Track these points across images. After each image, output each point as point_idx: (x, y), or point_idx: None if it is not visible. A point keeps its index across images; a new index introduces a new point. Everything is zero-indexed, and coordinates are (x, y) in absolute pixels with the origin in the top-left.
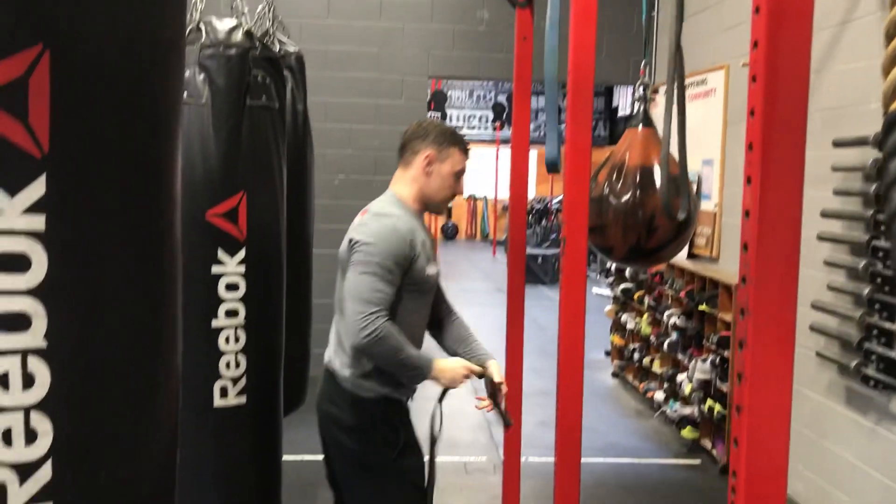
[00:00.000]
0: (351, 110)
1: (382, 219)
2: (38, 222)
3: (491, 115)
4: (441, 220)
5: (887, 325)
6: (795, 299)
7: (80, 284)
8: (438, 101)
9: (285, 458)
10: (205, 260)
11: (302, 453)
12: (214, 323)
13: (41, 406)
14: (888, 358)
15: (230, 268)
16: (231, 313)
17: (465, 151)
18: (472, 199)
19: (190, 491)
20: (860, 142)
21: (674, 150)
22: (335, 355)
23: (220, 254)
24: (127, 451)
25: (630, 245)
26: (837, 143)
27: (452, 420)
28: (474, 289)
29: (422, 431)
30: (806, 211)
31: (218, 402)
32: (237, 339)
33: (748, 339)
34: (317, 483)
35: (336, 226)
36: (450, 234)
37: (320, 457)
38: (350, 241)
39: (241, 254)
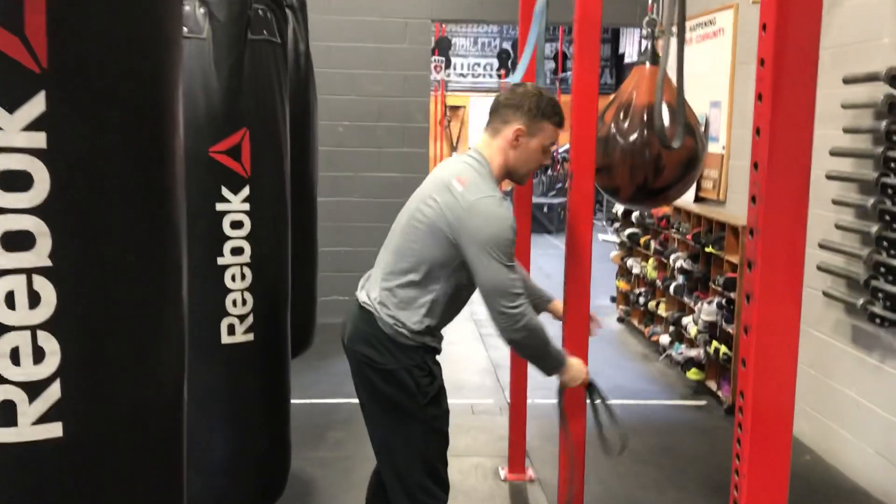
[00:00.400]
0: (353, 55)
1: (491, 202)
2: (39, 139)
3: (496, 63)
4: None
5: (895, 262)
6: (803, 252)
7: (84, 203)
8: (443, 47)
9: (295, 401)
10: (209, 197)
11: (311, 398)
12: (220, 260)
13: (48, 325)
14: (895, 295)
15: (235, 205)
16: (236, 251)
17: (559, 124)
18: None
19: (200, 425)
20: (871, 78)
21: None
22: (379, 299)
23: (224, 191)
24: (135, 373)
25: (637, 185)
26: (847, 80)
27: (459, 364)
28: None
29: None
30: (815, 149)
31: (226, 339)
32: (243, 277)
33: (755, 292)
34: (326, 425)
35: (340, 173)
36: None
37: (330, 400)
38: (454, 216)
39: (245, 191)
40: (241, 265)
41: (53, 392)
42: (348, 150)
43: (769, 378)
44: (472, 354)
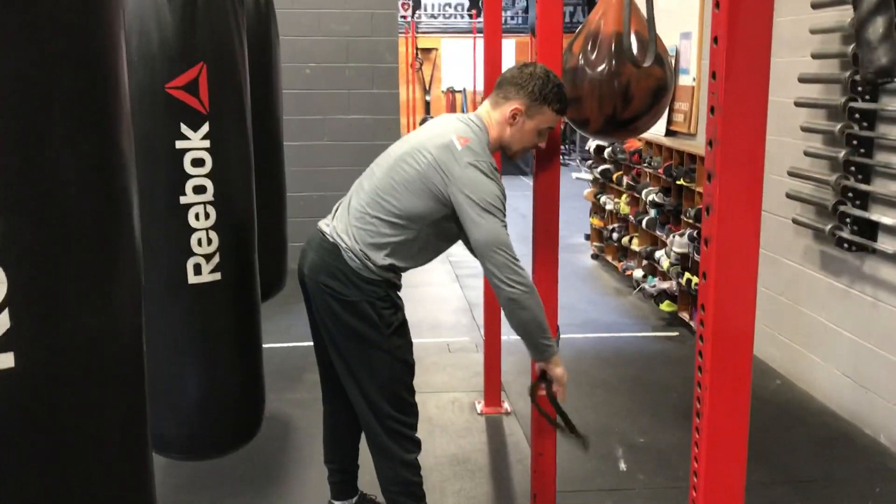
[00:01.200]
0: None
1: (488, 167)
2: None
3: (467, 3)
4: (419, 114)
5: (862, 186)
6: (762, 163)
7: (20, 126)
8: None
9: (272, 345)
10: (168, 135)
11: (288, 341)
12: (182, 199)
13: None
14: (862, 219)
15: (195, 143)
16: (199, 189)
17: (561, 111)
18: (451, 91)
19: (172, 365)
20: (839, 2)
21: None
22: (349, 233)
23: (184, 128)
24: (86, 304)
25: (606, 116)
26: (815, 5)
27: (436, 304)
28: None
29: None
30: (784, 77)
31: (192, 278)
32: (207, 216)
33: (714, 203)
34: (302, 367)
35: (309, 116)
36: None
37: (306, 343)
38: (450, 173)
39: (205, 128)
40: (205, 203)
41: (3, 321)
42: (316, 92)
43: (730, 292)
44: (448, 294)
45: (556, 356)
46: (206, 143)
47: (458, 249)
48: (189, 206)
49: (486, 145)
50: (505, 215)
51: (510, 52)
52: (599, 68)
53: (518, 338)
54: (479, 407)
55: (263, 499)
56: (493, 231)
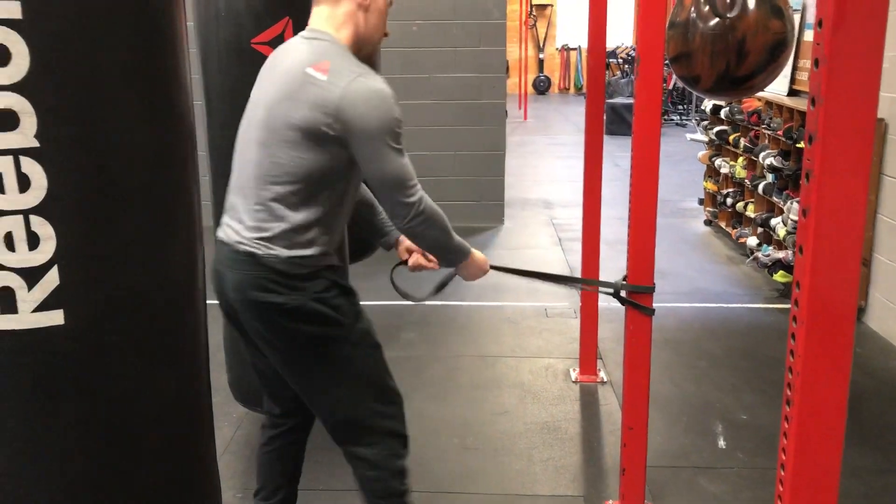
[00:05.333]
0: None
1: (365, 81)
2: (13, 9)
3: None
4: (531, 74)
5: None
6: (873, 122)
7: (69, 80)
8: None
9: (369, 303)
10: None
11: (384, 300)
12: None
13: (40, 210)
14: None
15: None
16: None
17: None
18: (566, 49)
19: None
20: None
21: None
22: (259, 233)
23: None
24: (138, 261)
25: (718, 73)
26: None
27: (534, 267)
28: (564, 142)
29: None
30: None
31: None
32: None
33: (815, 169)
34: (399, 326)
35: (416, 75)
36: (542, 87)
37: (402, 302)
38: (330, 110)
39: None
40: None
41: (52, 278)
42: (422, 50)
43: (829, 269)
44: (549, 258)
45: (469, 259)
46: None
47: (562, 212)
48: None
49: (347, 52)
50: (402, 136)
51: (630, 6)
52: (712, 21)
53: (618, 304)
54: (574, 374)
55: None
56: (390, 170)
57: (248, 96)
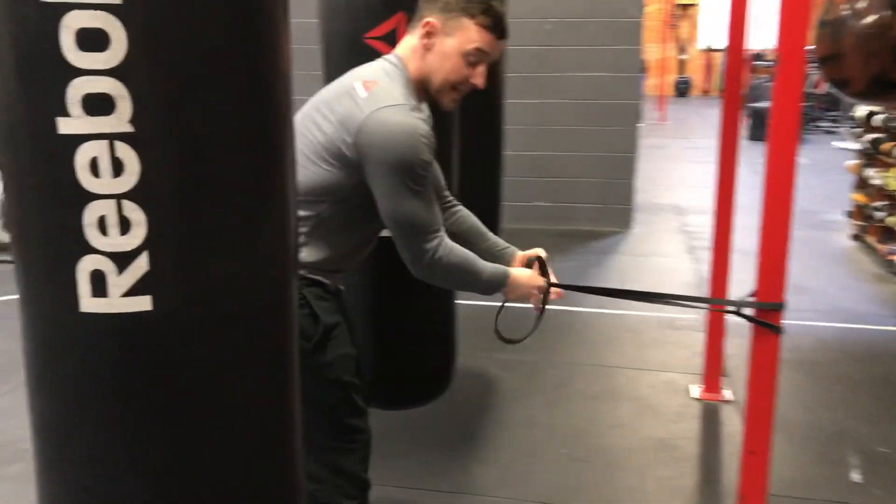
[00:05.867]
0: None
1: (397, 111)
2: None
3: None
4: (671, 75)
5: None
6: None
7: (165, 67)
8: None
9: (485, 303)
10: None
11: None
12: None
13: (133, 195)
14: None
15: None
16: None
17: (489, 27)
18: (708, 50)
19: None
20: None
21: None
22: None
23: None
24: (232, 249)
25: (872, 75)
26: None
27: (663, 276)
28: (703, 146)
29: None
30: None
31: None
32: None
33: None
34: (515, 327)
35: (549, 74)
36: (682, 89)
37: (491, 303)
38: (354, 129)
39: None
40: None
41: (141, 264)
42: (555, 48)
43: None
44: (678, 266)
45: (508, 277)
46: None
47: (695, 219)
48: None
49: (403, 82)
50: (424, 180)
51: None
52: (868, 19)
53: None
54: (696, 391)
55: (452, 453)
56: (401, 209)
57: None
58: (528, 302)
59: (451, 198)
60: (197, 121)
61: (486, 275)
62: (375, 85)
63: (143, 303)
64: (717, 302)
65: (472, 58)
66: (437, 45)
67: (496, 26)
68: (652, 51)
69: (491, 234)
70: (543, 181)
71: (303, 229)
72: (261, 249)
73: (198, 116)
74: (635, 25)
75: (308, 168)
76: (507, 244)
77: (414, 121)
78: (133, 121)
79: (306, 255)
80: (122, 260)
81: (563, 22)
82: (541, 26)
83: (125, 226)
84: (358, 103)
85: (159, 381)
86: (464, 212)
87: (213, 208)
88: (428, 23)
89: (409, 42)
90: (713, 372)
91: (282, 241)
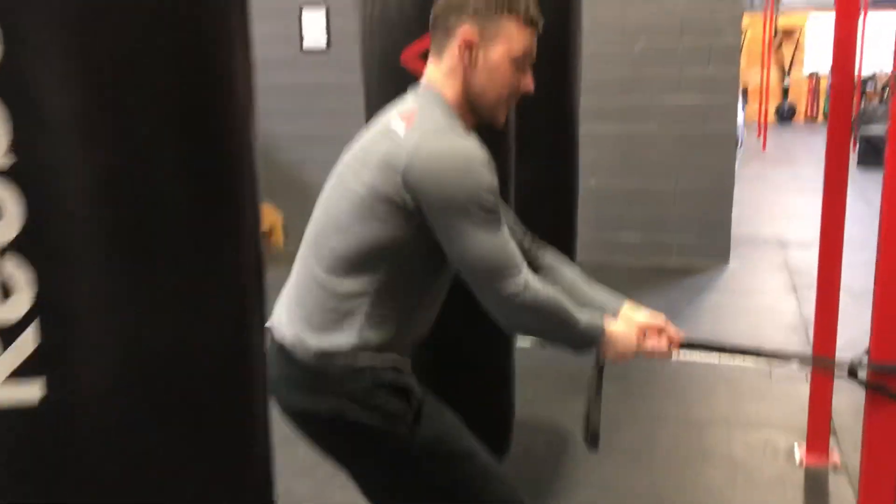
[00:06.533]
0: None
1: (445, 135)
2: None
3: None
4: (775, 100)
5: None
6: None
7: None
8: None
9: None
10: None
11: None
12: None
13: (15, 246)
14: None
15: None
16: None
17: (528, 21)
18: (815, 76)
19: None
20: None
21: None
22: (292, 318)
23: None
24: (162, 309)
25: None
26: None
27: (761, 317)
28: (807, 176)
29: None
30: None
31: None
32: None
33: None
34: (538, 370)
35: (636, 98)
36: (786, 115)
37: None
38: (401, 169)
39: None
40: None
41: (27, 339)
42: (644, 70)
43: None
44: (780, 307)
45: (600, 343)
46: None
47: (799, 253)
48: None
49: (446, 113)
50: (494, 208)
51: (889, 29)
52: None
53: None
54: (799, 454)
55: None
56: (477, 250)
57: None
58: (623, 361)
59: (530, 235)
60: (108, 146)
61: (582, 322)
62: (415, 115)
63: (30, 391)
64: (824, 364)
65: (522, 60)
66: (481, 60)
67: (532, 18)
68: (753, 75)
69: (599, 288)
70: (632, 213)
71: (353, 304)
72: (207, 313)
73: (109, 139)
74: (732, 47)
75: (353, 232)
76: (620, 298)
77: (468, 143)
78: (14, 148)
79: (372, 336)
80: (2, 335)
81: (651, 42)
82: (629, 48)
83: (3, 290)
84: (400, 137)
85: (58, 494)
86: (558, 260)
87: (137, 260)
88: (467, 37)
89: (440, 67)
90: (819, 431)
91: (236, 316)
